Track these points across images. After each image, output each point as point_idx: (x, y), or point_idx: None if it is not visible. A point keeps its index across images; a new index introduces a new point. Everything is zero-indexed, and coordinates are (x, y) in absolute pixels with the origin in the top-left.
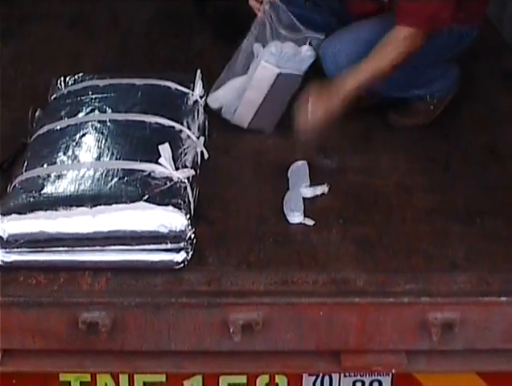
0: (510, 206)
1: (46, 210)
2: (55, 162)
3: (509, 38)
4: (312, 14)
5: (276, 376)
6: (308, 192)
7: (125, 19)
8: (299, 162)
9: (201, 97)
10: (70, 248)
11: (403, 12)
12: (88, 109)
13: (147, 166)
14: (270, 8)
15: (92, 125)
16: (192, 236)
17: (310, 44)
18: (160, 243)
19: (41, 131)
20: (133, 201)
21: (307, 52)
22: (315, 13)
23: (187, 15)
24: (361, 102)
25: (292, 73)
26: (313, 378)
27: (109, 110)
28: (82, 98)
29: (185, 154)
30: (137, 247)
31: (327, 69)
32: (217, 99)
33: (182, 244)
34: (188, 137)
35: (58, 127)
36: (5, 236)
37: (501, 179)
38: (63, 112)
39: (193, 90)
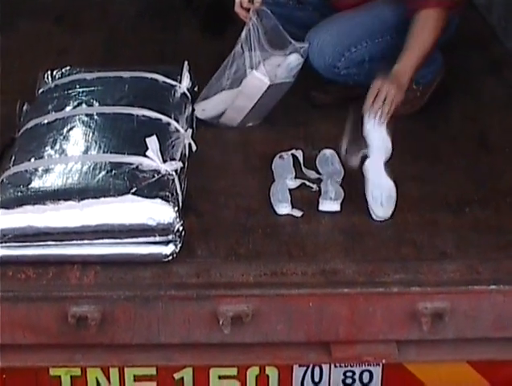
0: (499, 195)
1: (34, 204)
2: (42, 156)
3: (497, 28)
4: (295, 11)
5: (266, 368)
6: (294, 184)
7: (112, 14)
8: (283, 154)
9: (189, 89)
10: (58, 242)
11: None
12: (75, 103)
13: (135, 159)
14: (257, 19)
15: (79, 119)
16: (181, 228)
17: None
18: (148, 236)
19: (29, 125)
20: (121, 194)
21: (294, 61)
22: (298, 10)
23: (174, 9)
24: (350, 93)
25: (283, 82)
26: (303, 369)
27: (96, 103)
28: (69, 92)
29: (173, 147)
30: (125, 240)
31: (313, 60)
32: (204, 110)
33: (170, 237)
34: (176, 129)
35: (45, 121)
36: None
37: (490, 169)
38: (50, 106)
39: (180, 82)
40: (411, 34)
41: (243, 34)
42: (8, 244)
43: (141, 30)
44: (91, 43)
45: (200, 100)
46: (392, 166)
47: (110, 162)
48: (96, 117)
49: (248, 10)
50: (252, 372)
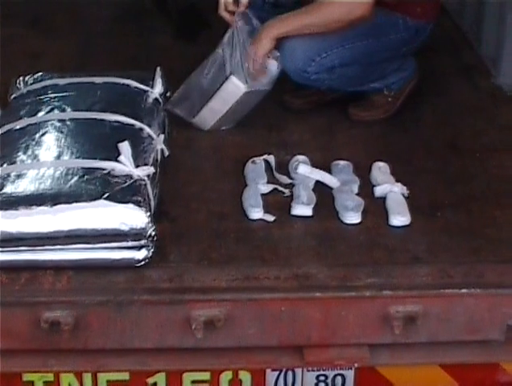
0: (471, 199)
1: (6, 209)
2: (14, 162)
3: (468, 33)
4: (272, 15)
5: (239, 372)
6: (266, 188)
7: (86, 18)
8: (256, 159)
9: (161, 95)
10: (31, 248)
11: None
12: (47, 108)
13: (107, 165)
14: (242, 23)
15: (51, 124)
16: (153, 233)
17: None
18: (121, 241)
19: (1, 131)
20: (93, 199)
21: (272, 67)
22: (274, 13)
23: (148, 14)
24: (322, 97)
25: (259, 89)
26: (276, 373)
27: (68, 109)
28: (42, 97)
29: (145, 152)
30: (98, 245)
31: (284, 64)
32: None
33: (143, 242)
34: (148, 135)
35: (18, 127)
36: None
37: (462, 173)
38: (22, 112)
39: (153, 88)
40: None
41: (226, 36)
42: None
43: (115, 35)
44: (65, 47)
45: (176, 97)
46: (364, 170)
47: (83, 168)
48: (68, 122)
49: (232, 13)
50: (225, 377)
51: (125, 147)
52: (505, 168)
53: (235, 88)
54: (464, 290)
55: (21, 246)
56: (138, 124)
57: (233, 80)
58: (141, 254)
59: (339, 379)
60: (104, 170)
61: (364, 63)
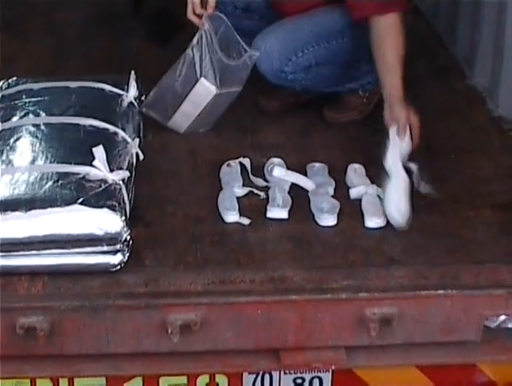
0: (445, 200)
1: None
2: None
3: (443, 35)
4: (242, 20)
5: (216, 376)
6: (241, 191)
7: (59, 22)
8: (231, 162)
9: (136, 98)
10: (6, 253)
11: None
12: (22, 113)
13: (82, 169)
14: (210, 26)
15: (26, 129)
16: (128, 237)
17: (247, 60)
18: (96, 245)
19: None
20: (68, 204)
21: (243, 67)
22: (245, 19)
23: (122, 16)
24: (298, 99)
25: (230, 90)
26: (253, 376)
27: (43, 114)
28: (16, 102)
29: (120, 156)
30: (73, 250)
31: (260, 65)
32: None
33: (118, 246)
34: (123, 139)
35: None
36: None
37: (437, 174)
38: None
39: (127, 91)
40: (378, 44)
41: (195, 39)
42: None
43: (89, 38)
44: (38, 51)
45: (150, 100)
46: (339, 172)
47: (57, 172)
48: (43, 127)
49: (201, 16)
50: (202, 380)
51: (99, 151)
52: (479, 169)
53: (206, 90)
54: (439, 291)
55: None
56: (112, 128)
57: (204, 82)
58: (116, 259)
59: (316, 382)
60: (78, 174)
61: (340, 62)
